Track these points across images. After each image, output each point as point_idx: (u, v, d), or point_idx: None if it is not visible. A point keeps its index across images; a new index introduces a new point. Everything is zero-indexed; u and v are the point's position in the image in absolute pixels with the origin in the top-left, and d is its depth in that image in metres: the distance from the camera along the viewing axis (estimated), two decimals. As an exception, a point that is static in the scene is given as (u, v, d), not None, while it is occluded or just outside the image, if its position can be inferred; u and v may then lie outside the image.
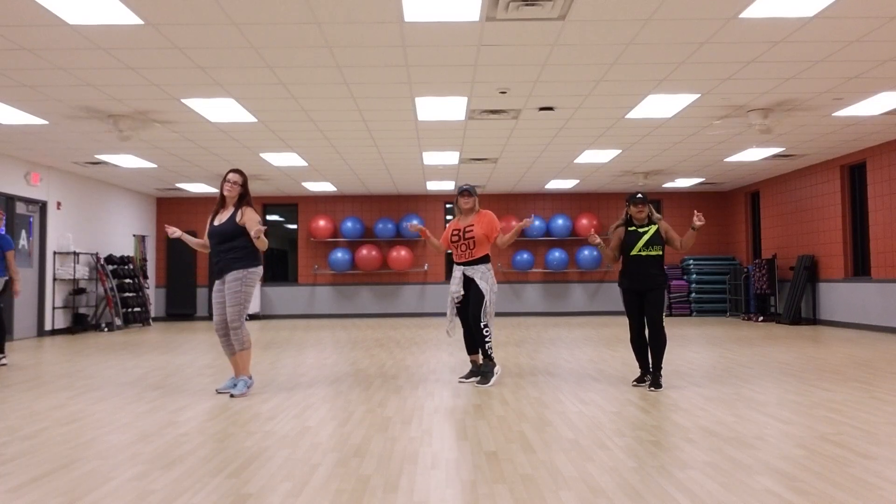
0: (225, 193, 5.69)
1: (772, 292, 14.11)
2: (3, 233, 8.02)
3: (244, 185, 5.74)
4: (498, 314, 16.31)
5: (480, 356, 6.19)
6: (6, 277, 7.90)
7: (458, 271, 6.23)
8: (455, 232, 6.24)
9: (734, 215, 16.42)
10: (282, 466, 3.49)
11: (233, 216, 5.65)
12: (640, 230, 5.88)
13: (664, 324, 5.82)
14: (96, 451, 3.83)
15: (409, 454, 3.70)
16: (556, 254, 16.03)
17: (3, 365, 7.76)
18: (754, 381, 6.03)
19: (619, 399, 5.28)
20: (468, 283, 6.15)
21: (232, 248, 5.62)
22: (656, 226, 5.88)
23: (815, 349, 8.58)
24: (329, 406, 5.10)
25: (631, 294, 5.89)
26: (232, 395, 5.55)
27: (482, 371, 6.11)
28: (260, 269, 5.71)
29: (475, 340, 6.19)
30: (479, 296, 6.05)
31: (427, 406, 5.07)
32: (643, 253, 5.81)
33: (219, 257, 5.68)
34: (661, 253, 5.83)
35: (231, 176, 5.70)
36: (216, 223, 5.71)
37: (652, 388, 5.68)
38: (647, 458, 3.59)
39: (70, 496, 3.03)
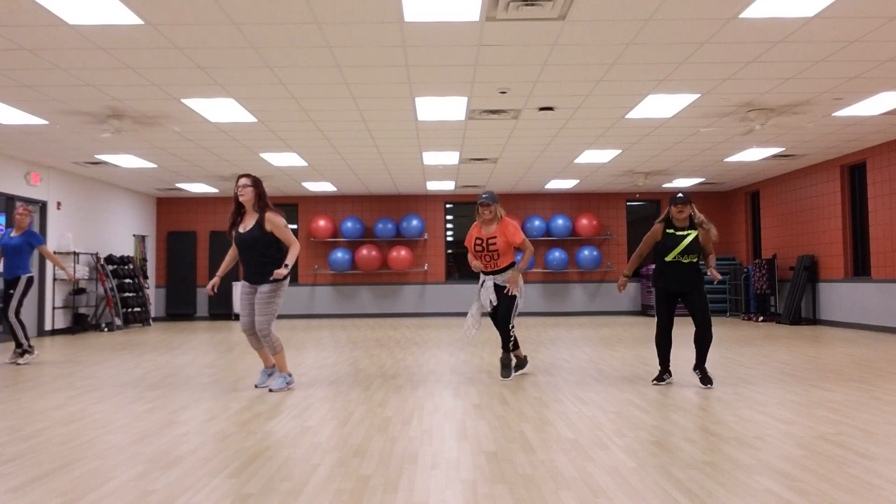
0: (240, 199, 5.66)
1: (772, 292, 14.12)
2: (33, 230, 8.20)
3: (256, 185, 5.69)
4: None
5: (522, 350, 6.55)
6: (30, 274, 8.08)
7: (488, 280, 6.30)
8: (478, 241, 6.26)
9: (734, 215, 16.42)
10: (282, 466, 3.49)
11: (258, 223, 5.64)
12: (679, 234, 5.70)
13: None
14: (96, 451, 3.83)
15: (409, 454, 3.70)
16: (556, 254, 16.03)
17: (28, 362, 7.92)
18: (754, 381, 6.03)
19: (619, 399, 5.27)
20: (498, 289, 6.28)
21: (263, 257, 5.65)
22: (696, 232, 5.69)
23: (815, 349, 8.58)
24: (329, 406, 5.10)
25: (665, 294, 5.82)
26: (270, 390, 5.72)
27: (504, 363, 6.33)
28: (288, 278, 5.78)
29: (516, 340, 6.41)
30: (510, 300, 6.24)
31: (427, 406, 5.07)
32: (679, 259, 5.68)
33: (249, 264, 5.70)
34: (696, 260, 5.70)
35: (242, 180, 5.67)
36: (242, 230, 5.69)
37: (708, 386, 5.69)
38: (647, 458, 3.59)
39: (70, 496, 3.03)
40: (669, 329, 5.88)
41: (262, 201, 5.69)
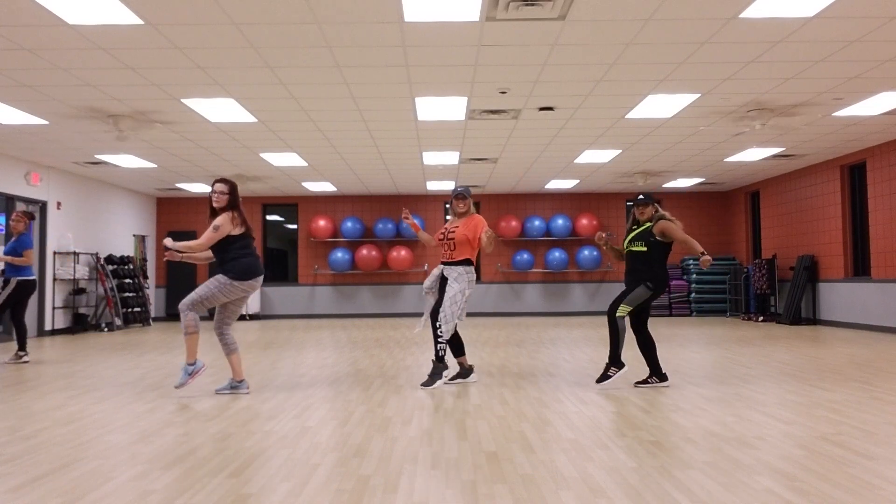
0: (214, 205, 5.59)
1: (772, 292, 14.12)
2: (26, 235, 8.23)
3: (231, 193, 5.60)
4: (498, 314, 16.32)
5: (467, 359, 6.27)
6: (22, 278, 8.08)
7: (437, 269, 6.26)
8: (443, 231, 6.25)
9: (734, 215, 16.42)
10: (282, 466, 3.49)
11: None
12: (635, 227, 5.97)
13: (620, 314, 5.70)
14: (96, 451, 3.83)
15: (409, 454, 3.70)
16: (556, 254, 16.04)
17: (26, 362, 7.96)
18: (754, 381, 6.03)
19: (619, 399, 5.27)
20: (444, 282, 6.14)
21: (216, 253, 5.61)
22: (650, 224, 5.87)
23: (815, 349, 8.58)
24: (329, 406, 5.10)
25: (626, 288, 5.91)
26: (175, 387, 5.66)
27: (432, 371, 5.98)
28: (245, 285, 5.53)
29: (458, 342, 6.19)
30: (447, 296, 6.00)
31: (427, 406, 5.07)
32: (630, 248, 5.93)
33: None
34: (644, 249, 5.81)
35: (218, 186, 5.57)
36: None
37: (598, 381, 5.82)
38: (647, 458, 3.58)
39: (70, 496, 3.03)
40: (640, 327, 5.89)
41: (230, 204, 5.58)
